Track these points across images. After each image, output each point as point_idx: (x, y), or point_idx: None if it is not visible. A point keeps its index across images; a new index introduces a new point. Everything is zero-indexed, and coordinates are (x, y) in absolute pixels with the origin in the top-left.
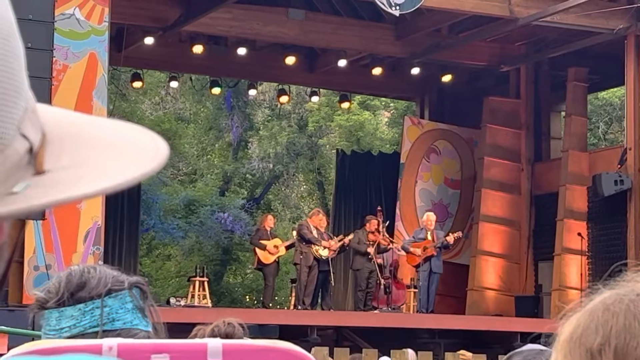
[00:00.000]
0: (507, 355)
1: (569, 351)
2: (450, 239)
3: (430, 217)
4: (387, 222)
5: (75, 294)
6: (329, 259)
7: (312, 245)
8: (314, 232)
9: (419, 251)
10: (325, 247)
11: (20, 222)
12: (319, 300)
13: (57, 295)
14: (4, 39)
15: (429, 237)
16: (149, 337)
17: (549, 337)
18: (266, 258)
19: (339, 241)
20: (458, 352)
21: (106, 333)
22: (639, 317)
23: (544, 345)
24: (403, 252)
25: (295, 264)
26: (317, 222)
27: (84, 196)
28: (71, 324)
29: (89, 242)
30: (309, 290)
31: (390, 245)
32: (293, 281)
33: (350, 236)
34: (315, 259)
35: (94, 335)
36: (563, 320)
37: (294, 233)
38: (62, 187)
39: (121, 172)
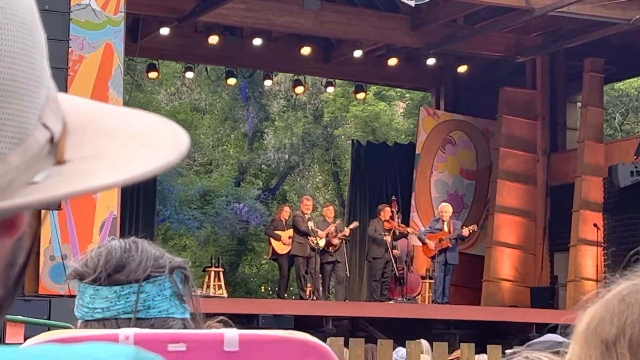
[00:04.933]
0: (525, 345)
1: (585, 342)
2: (466, 232)
3: (446, 207)
4: (400, 215)
5: (112, 275)
6: (344, 248)
7: (309, 237)
8: (310, 223)
9: (432, 244)
10: (321, 237)
11: (39, 211)
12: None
13: (94, 273)
14: (27, 29)
15: (445, 228)
16: (184, 326)
17: (566, 328)
18: (281, 248)
19: (336, 231)
20: (453, 353)
21: (140, 321)
22: None
23: (561, 336)
24: (419, 242)
25: (293, 256)
26: (305, 208)
27: (105, 187)
28: (105, 306)
29: (105, 232)
30: (306, 281)
31: (407, 230)
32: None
33: (353, 224)
34: (313, 249)
35: (127, 321)
36: (580, 312)
37: (310, 224)
38: (82, 178)
39: (141, 163)
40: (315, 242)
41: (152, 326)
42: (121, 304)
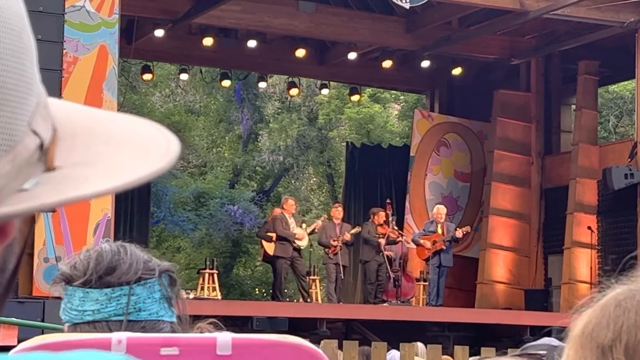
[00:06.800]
0: (520, 348)
1: (581, 346)
2: (459, 233)
3: (440, 209)
4: (395, 218)
5: (103, 277)
6: (340, 252)
7: (287, 241)
8: (291, 223)
9: (428, 244)
10: (301, 239)
11: (30, 217)
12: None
13: (84, 275)
14: (16, 35)
15: (439, 230)
16: (172, 329)
17: (561, 332)
18: (273, 250)
19: (340, 233)
20: (443, 357)
21: (131, 323)
22: None
23: (556, 340)
24: (413, 245)
25: (275, 257)
26: (289, 209)
27: (95, 194)
28: (95, 309)
29: (99, 234)
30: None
31: (400, 238)
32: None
33: (355, 229)
34: (296, 249)
35: (118, 323)
36: (575, 316)
37: (304, 225)
38: (72, 185)
39: (132, 170)
40: (295, 243)
41: (142, 328)
42: (112, 306)
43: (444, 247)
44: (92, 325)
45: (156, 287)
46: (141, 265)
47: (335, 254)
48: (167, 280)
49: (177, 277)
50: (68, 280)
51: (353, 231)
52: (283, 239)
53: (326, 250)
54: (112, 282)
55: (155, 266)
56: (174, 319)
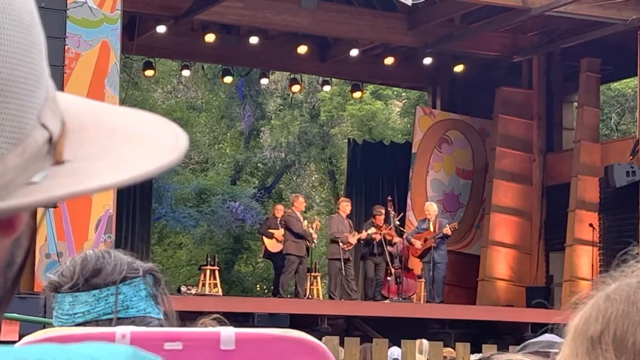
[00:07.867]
0: (522, 345)
1: (573, 341)
2: (447, 230)
3: (429, 207)
4: (401, 214)
5: (90, 279)
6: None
7: (303, 239)
8: (303, 221)
9: (418, 243)
10: (315, 238)
11: (37, 211)
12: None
13: (71, 280)
14: (25, 29)
15: (431, 228)
16: (161, 325)
17: (559, 327)
18: (274, 247)
19: (350, 230)
20: (444, 350)
21: (120, 321)
22: (637, 304)
23: (557, 337)
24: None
25: (287, 254)
26: (300, 206)
27: (103, 188)
28: (85, 310)
29: (101, 230)
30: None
31: (395, 239)
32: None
33: (371, 230)
34: (307, 249)
35: (108, 322)
36: (570, 312)
37: (305, 223)
38: (80, 178)
39: (140, 164)
40: (311, 243)
41: (132, 323)
42: (101, 306)
43: (435, 245)
44: (83, 326)
45: (141, 285)
46: (125, 266)
47: (348, 250)
48: (151, 279)
49: (160, 277)
50: (57, 288)
51: (370, 231)
52: (299, 237)
53: (342, 246)
54: (99, 284)
55: (139, 266)
56: (161, 316)
